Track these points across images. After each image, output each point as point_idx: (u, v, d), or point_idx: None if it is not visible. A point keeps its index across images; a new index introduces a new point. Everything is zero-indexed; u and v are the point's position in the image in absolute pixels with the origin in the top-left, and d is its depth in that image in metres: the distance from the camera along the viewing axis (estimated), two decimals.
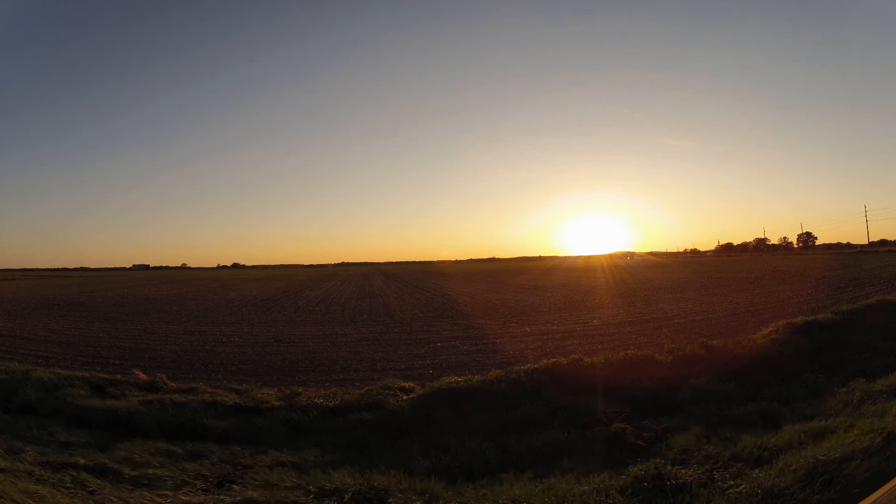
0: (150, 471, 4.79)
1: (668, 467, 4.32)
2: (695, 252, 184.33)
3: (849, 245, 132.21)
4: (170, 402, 7.12)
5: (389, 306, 25.05)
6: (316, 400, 7.28)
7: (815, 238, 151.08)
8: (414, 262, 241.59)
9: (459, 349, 12.77)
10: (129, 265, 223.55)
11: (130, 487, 4.37)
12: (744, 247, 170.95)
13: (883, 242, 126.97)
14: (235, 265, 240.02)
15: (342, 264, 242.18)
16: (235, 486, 4.43)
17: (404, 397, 7.26)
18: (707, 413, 6.21)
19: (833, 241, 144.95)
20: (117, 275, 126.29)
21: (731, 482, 3.98)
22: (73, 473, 4.54)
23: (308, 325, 18.74)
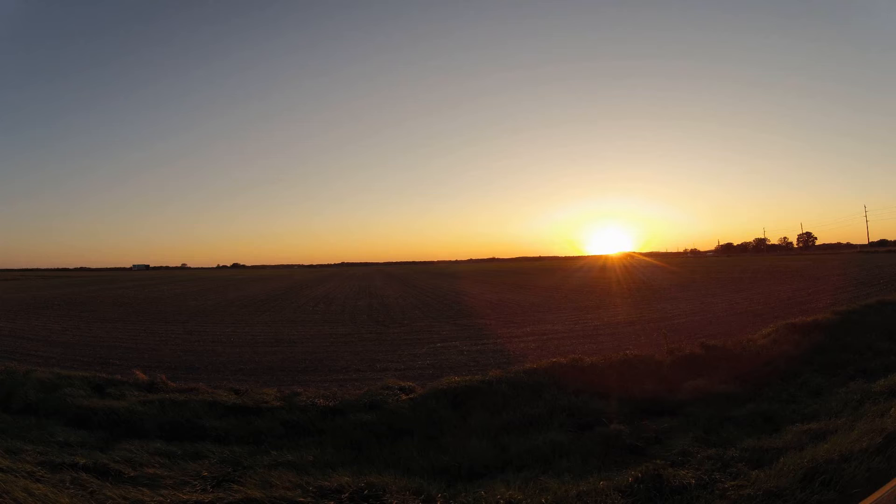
0: (150, 471, 4.79)
1: (668, 468, 4.32)
2: (695, 252, 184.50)
3: (849, 245, 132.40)
4: (169, 402, 7.11)
5: (389, 306, 25.04)
6: (316, 400, 7.27)
7: (815, 238, 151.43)
8: (414, 263, 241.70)
9: (459, 349, 12.77)
10: (129, 265, 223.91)
11: (130, 487, 4.37)
12: (744, 247, 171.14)
13: (883, 242, 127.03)
14: (235, 265, 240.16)
15: (342, 264, 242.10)
16: (235, 486, 4.42)
17: (404, 397, 7.25)
18: (707, 414, 6.20)
19: (833, 241, 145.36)
20: (117, 275, 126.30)
21: (731, 483, 3.98)
22: (74, 473, 4.54)
23: (308, 325, 18.73)
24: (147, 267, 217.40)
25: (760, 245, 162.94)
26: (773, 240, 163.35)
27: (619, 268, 68.69)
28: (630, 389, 7.11)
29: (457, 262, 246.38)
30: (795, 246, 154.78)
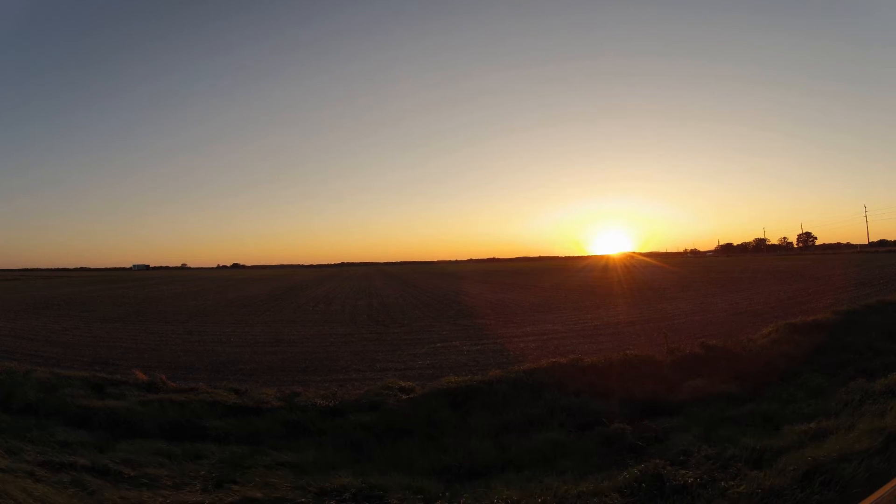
0: (150, 471, 4.79)
1: (668, 468, 4.32)
2: (695, 252, 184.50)
3: (848, 245, 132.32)
4: (169, 403, 7.11)
5: (389, 306, 25.03)
6: (316, 400, 7.27)
7: (815, 238, 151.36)
8: (414, 263, 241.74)
9: (459, 349, 12.77)
10: (129, 265, 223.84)
11: (130, 487, 4.37)
12: (744, 247, 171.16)
13: (883, 243, 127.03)
14: (235, 265, 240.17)
15: (342, 264, 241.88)
16: (235, 487, 4.42)
17: (404, 397, 7.25)
18: (707, 413, 6.20)
19: (833, 241, 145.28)
20: (117, 275, 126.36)
21: (731, 482, 3.98)
22: (73, 473, 4.54)
23: (308, 325, 18.73)
24: (147, 267, 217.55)
25: (760, 245, 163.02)
26: (773, 240, 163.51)
27: (620, 268, 68.63)
28: (630, 389, 7.11)
29: (457, 262, 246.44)
30: (795, 246, 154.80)
